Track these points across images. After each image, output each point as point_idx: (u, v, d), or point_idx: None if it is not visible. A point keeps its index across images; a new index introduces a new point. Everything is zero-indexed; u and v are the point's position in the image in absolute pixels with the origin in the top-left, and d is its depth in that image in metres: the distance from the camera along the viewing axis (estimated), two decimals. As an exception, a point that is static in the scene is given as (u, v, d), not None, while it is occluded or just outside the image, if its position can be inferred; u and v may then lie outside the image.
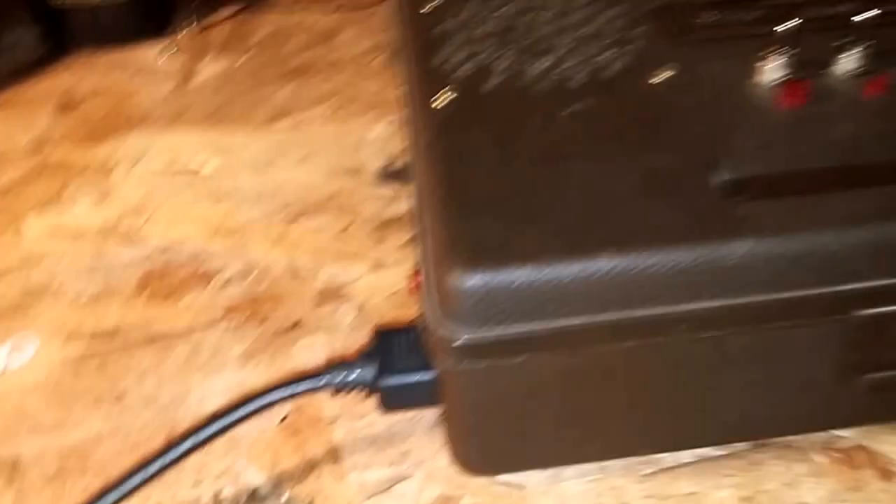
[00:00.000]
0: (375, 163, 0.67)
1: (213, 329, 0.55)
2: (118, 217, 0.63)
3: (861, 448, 0.46)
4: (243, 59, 0.79)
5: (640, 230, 0.39)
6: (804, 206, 0.40)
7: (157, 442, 0.48)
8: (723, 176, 0.42)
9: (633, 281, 0.38)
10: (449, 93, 0.48)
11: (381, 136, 0.69)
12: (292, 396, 0.45)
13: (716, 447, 0.46)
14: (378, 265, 0.58)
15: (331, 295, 0.57)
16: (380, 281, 0.57)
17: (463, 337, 0.39)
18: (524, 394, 0.41)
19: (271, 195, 0.64)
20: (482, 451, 0.44)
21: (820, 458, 0.46)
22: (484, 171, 0.43)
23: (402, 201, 0.63)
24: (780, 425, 0.45)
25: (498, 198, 0.42)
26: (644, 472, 0.46)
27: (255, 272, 0.58)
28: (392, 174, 0.66)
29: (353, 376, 0.45)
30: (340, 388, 0.45)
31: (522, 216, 0.40)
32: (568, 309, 0.39)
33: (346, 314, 0.55)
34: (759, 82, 0.47)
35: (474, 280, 0.38)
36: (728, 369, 0.41)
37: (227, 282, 0.58)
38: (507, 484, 0.46)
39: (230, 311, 0.56)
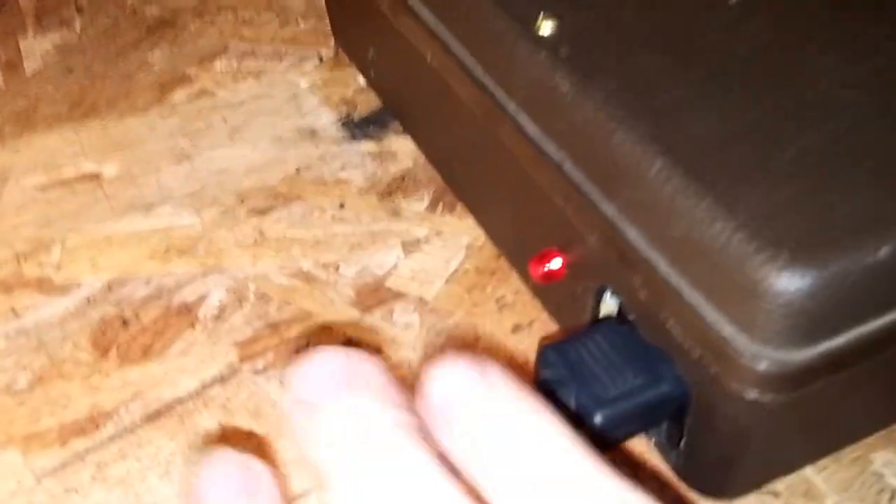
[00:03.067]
0: (328, 116, 0.52)
1: (235, 379, 0.40)
2: (15, 259, 0.46)
3: None
4: (78, 22, 0.61)
5: None
6: None
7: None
8: None
9: None
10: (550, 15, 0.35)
11: (317, 81, 0.54)
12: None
13: None
14: (412, 242, 0.44)
15: (373, 295, 0.42)
16: (425, 262, 0.43)
17: (784, 360, 0.27)
18: (824, 409, 0.30)
19: (214, 188, 0.48)
20: (741, 475, 0.32)
21: None
22: (702, 114, 0.30)
23: (394, 156, 0.49)
24: None
25: (757, 148, 0.29)
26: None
27: (253, 289, 0.43)
28: (360, 124, 0.51)
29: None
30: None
31: (818, 171, 0.28)
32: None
33: (406, 315, 0.41)
34: None
35: (806, 280, 0.26)
36: None
37: (221, 311, 0.43)
38: (759, 493, 0.34)
39: (246, 348, 0.41)
